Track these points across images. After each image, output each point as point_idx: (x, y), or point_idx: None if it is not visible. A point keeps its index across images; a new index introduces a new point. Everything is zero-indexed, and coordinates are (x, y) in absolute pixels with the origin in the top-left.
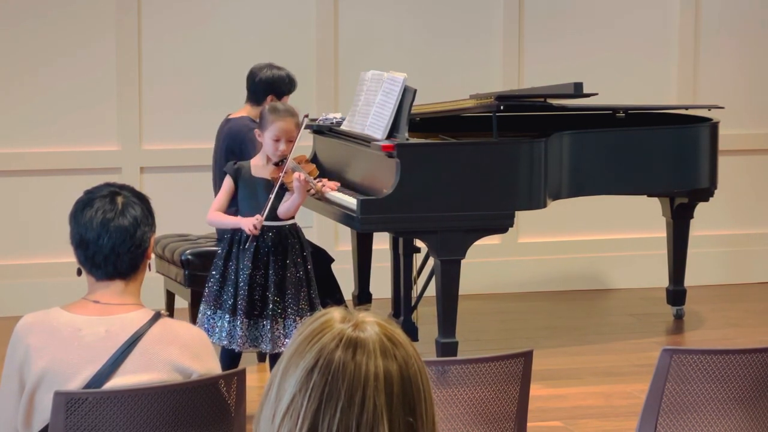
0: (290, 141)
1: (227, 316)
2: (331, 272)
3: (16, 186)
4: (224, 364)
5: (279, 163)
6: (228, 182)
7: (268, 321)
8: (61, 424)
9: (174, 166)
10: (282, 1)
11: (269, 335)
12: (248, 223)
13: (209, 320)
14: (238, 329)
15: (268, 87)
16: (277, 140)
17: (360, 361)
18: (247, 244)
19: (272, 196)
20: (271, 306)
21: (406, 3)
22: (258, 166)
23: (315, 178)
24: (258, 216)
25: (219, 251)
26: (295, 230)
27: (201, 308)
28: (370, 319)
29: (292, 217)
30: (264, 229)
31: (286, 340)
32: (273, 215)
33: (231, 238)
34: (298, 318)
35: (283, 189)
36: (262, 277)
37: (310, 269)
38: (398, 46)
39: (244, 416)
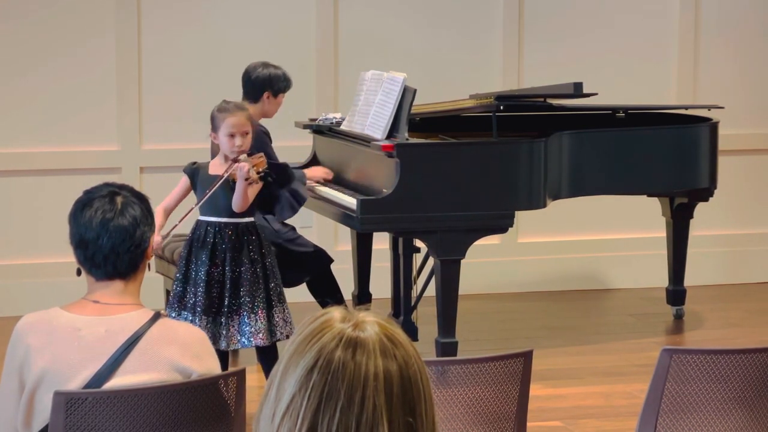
0: (244, 134)
1: (189, 315)
2: (330, 272)
3: (16, 186)
4: None
5: (237, 160)
6: (183, 181)
7: (225, 318)
8: (61, 424)
9: (174, 166)
10: (282, 1)
11: (225, 332)
12: (156, 242)
13: None
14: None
15: (265, 84)
16: (232, 136)
17: (360, 361)
18: (204, 241)
19: (209, 191)
20: (226, 302)
21: (406, 3)
22: (216, 165)
23: (260, 171)
24: (159, 237)
25: (182, 252)
26: (252, 227)
27: (166, 312)
28: (370, 318)
29: (251, 216)
30: (222, 226)
31: (241, 338)
32: (231, 212)
33: (190, 239)
34: (252, 315)
35: (233, 183)
36: (219, 273)
37: (269, 265)
38: (398, 46)
39: (244, 416)
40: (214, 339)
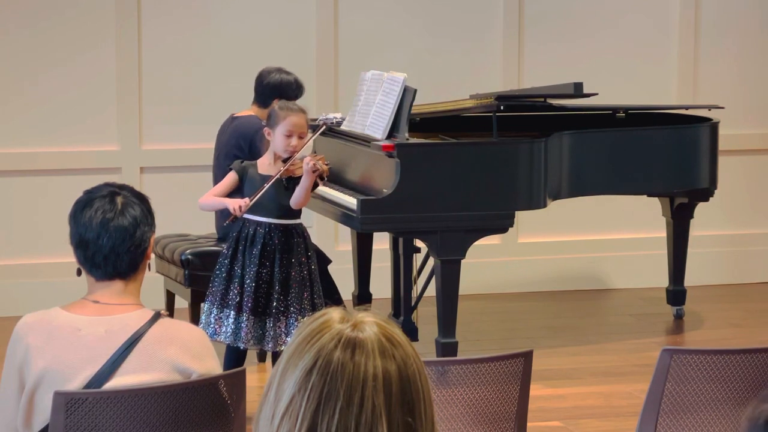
0: (301, 137)
1: (233, 313)
2: (327, 273)
3: (16, 186)
4: (230, 362)
5: (287, 161)
6: (231, 176)
7: (272, 319)
8: (61, 424)
9: (174, 166)
10: (282, 2)
11: (272, 333)
12: (234, 203)
13: (216, 319)
14: (243, 327)
15: (276, 91)
16: (289, 135)
17: (359, 362)
18: (253, 241)
19: (270, 183)
20: (275, 304)
21: (406, 3)
22: (265, 164)
23: (327, 163)
24: (246, 199)
25: (224, 250)
26: (301, 230)
27: (206, 307)
28: (369, 319)
29: (298, 218)
30: (272, 227)
31: (287, 338)
32: (281, 213)
33: (237, 236)
34: (300, 317)
35: (291, 183)
36: (267, 274)
37: (314, 270)
38: (398, 47)
39: (244, 416)
40: (259, 340)
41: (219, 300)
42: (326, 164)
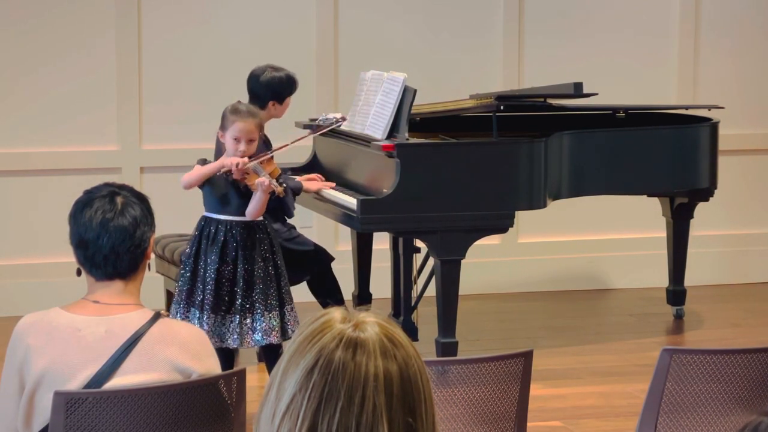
0: (251, 141)
1: (197, 312)
2: (331, 272)
3: (16, 186)
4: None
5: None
6: (198, 168)
7: (237, 316)
8: (61, 424)
9: (174, 166)
10: (282, 1)
11: (238, 330)
12: (233, 160)
13: (182, 319)
14: (204, 325)
15: (268, 91)
16: (237, 140)
17: (360, 361)
18: (215, 239)
19: (274, 150)
20: (239, 301)
21: (406, 3)
22: None
23: (277, 178)
24: (245, 158)
25: (187, 250)
26: (263, 225)
27: (172, 309)
28: (371, 319)
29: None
30: (233, 224)
31: (254, 335)
32: (241, 211)
33: (199, 235)
34: (266, 313)
35: (247, 190)
36: (230, 272)
37: (280, 265)
38: (398, 46)
39: (244, 416)
40: (221, 337)
41: (184, 300)
42: (279, 181)
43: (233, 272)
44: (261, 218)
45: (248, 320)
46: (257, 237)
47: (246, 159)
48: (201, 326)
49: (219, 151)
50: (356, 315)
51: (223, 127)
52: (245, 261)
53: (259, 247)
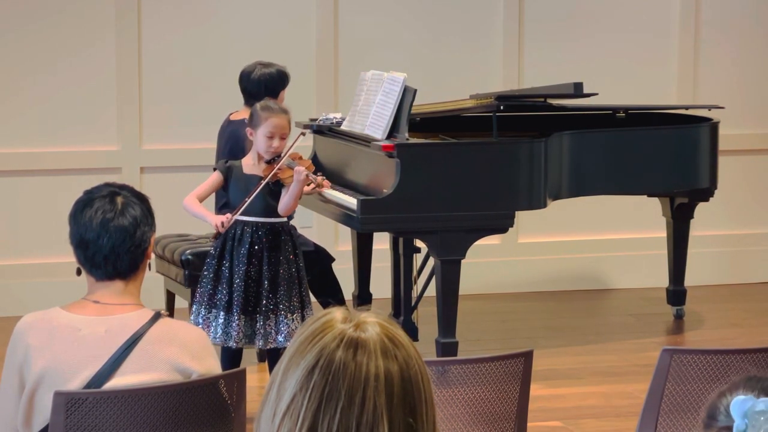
0: (283, 138)
1: (222, 313)
2: (332, 272)
3: (17, 186)
4: (225, 363)
5: (271, 161)
6: (216, 176)
7: (261, 317)
8: (61, 424)
9: (174, 166)
10: (282, 1)
11: (262, 331)
12: (217, 220)
13: (204, 319)
14: (234, 326)
15: (260, 89)
16: (271, 137)
17: (361, 362)
18: (241, 241)
19: (253, 195)
20: (264, 302)
21: (406, 3)
22: (249, 164)
23: (314, 172)
24: (228, 215)
25: (211, 251)
26: (287, 227)
27: (194, 308)
28: (372, 319)
29: (285, 216)
30: (259, 226)
31: (278, 336)
32: (267, 212)
33: (224, 236)
34: (289, 315)
35: (278, 186)
36: (256, 273)
37: (302, 267)
38: (398, 46)
39: (244, 416)
40: (250, 338)
41: (207, 300)
42: (320, 175)
43: (258, 273)
44: (285, 219)
45: (272, 321)
46: (282, 239)
47: (228, 216)
48: (229, 327)
49: (221, 151)
50: (357, 315)
51: (254, 124)
52: (270, 263)
53: (284, 249)
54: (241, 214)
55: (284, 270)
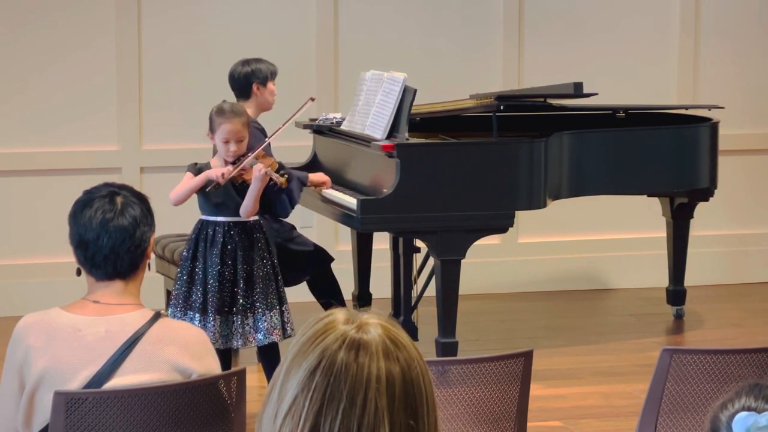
0: (240, 141)
1: (197, 315)
2: (331, 272)
3: (16, 186)
4: None
5: (236, 162)
6: (188, 177)
7: (239, 316)
8: (61, 424)
9: (174, 166)
10: (282, 3)
11: (240, 330)
12: (217, 172)
13: None
14: (210, 327)
15: (249, 77)
16: (227, 142)
17: (362, 363)
18: (213, 241)
19: (248, 157)
20: (241, 301)
21: (406, 3)
22: (217, 165)
23: (277, 170)
24: (230, 167)
25: (184, 253)
26: (259, 225)
27: (169, 311)
28: (374, 320)
29: (257, 214)
30: (230, 226)
31: (257, 335)
32: (237, 212)
33: (196, 238)
34: (267, 312)
35: (244, 186)
36: (230, 273)
37: (276, 263)
38: (398, 46)
39: (244, 416)
40: (227, 338)
41: (182, 302)
42: (280, 172)
43: (233, 273)
44: (257, 218)
45: (250, 320)
46: (254, 237)
47: (230, 168)
48: (204, 329)
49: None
50: (359, 316)
51: (211, 129)
52: (245, 261)
53: (257, 247)
54: (213, 215)
55: (258, 268)
